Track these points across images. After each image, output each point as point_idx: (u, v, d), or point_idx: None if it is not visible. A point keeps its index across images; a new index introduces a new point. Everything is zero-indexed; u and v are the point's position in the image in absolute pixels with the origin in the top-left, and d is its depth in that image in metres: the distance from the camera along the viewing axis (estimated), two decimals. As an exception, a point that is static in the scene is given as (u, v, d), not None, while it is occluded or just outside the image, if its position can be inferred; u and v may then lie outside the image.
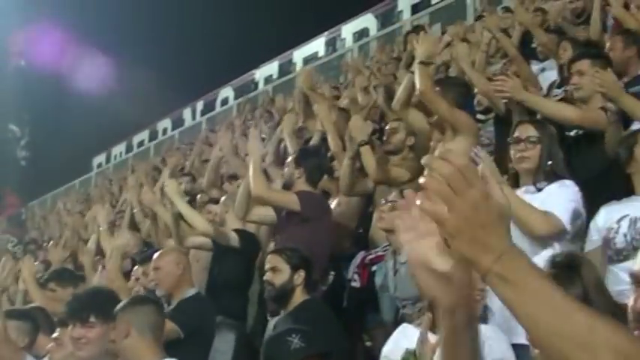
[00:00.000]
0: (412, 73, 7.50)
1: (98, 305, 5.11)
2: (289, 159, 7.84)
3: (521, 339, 4.78)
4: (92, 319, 5.01)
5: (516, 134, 5.55)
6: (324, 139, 9.40)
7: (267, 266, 6.38)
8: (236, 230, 7.66)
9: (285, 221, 7.37)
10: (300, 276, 6.23)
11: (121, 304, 5.07)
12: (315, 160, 7.93)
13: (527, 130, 5.50)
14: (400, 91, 7.72)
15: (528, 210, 5.11)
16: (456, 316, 1.95)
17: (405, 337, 4.69)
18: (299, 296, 6.23)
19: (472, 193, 1.72)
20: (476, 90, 8.26)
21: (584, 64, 6.69)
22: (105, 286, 7.42)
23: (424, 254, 1.93)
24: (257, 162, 7.33)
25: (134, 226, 10.96)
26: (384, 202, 6.33)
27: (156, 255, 7.01)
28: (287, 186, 7.64)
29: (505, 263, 1.72)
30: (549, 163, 5.41)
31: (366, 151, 7.52)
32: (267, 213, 7.61)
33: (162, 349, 4.98)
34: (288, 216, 7.32)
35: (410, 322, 4.98)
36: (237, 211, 7.59)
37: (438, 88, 7.41)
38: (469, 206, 1.72)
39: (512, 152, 5.53)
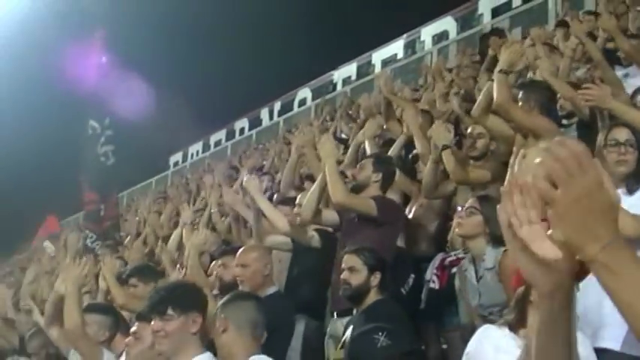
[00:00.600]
0: (492, 81, 7.45)
1: (176, 298, 5.08)
2: (365, 161, 7.75)
3: (605, 343, 4.71)
4: (170, 311, 4.99)
5: (614, 136, 5.43)
6: (406, 142, 9.37)
7: (343, 265, 6.37)
8: (316, 230, 7.64)
9: (356, 225, 7.32)
10: (376, 277, 6.22)
11: (223, 299, 5.17)
12: (391, 167, 7.95)
13: (624, 134, 5.40)
14: (480, 98, 7.68)
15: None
16: (554, 300, 1.95)
17: (488, 338, 4.60)
18: (373, 296, 6.22)
19: (586, 178, 1.74)
20: (559, 95, 8.14)
21: None
22: (185, 280, 7.46)
23: (526, 239, 1.89)
24: (333, 166, 7.28)
25: (212, 227, 10.98)
26: (461, 208, 6.25)
27: (241, 251, 6.96)
28: (359, 188, 7.58)
29: (611, 253, 1.73)
30: None
31: (447, 154, 7.49)
32: (332, 216, 7.61)
33: (258, 346, 4.99)
34: (360, 220, 7.27)
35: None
36: (306, 213, 7.53)
37: (521, 94, 7.42)
38: (582, 191, 1.73)
39: (610, 155, 5.41)
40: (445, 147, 7.55)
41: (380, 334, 4.05)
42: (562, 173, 1.74)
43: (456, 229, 6.28)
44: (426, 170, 7.91)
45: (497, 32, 15.25)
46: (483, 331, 4.73)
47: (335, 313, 6.93)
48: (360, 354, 4.04)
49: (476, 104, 7.76)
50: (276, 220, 7.62)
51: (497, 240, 5.50)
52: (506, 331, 4.55)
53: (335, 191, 7.18)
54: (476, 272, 6.06)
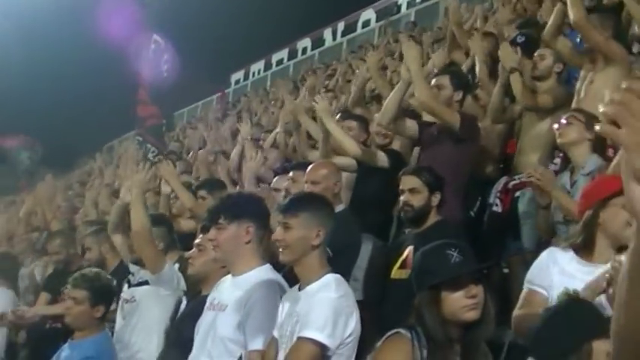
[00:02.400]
0: (562, 2, 7.40)
1: (228, 207, 5.12)
2: (440, 78, 7.65)
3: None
4: (222, 220, 5.03)
5: None
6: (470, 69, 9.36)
7: (402, 187, 6.34)
8: (385, 150, 7.61)
9: (435, 139, 7.27)
10: (436, 197, 6.23)
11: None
12: (469, 83, 7.94)
13: None
14: (551, 20, 7.60)
15: None
16: None
17: (555, 262, 4.58)
18: (432, 217, 6.24)
19: None
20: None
21: None
22: (241, 191, 7.51)
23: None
24: (419, 70, 7.19)
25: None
26: (565, 116, 6.19)
27: (312, 167, 6.84)
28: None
29: None
30: None
31: (515, 77, 7.43)
32: (412, 126, 7.54)
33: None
34: (440, 134, 7.22)
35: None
36: (383, 117, 7.47)
37: (594, 17, 7.29)
38: None
39: None
40: (513, 70, 7.50)
41: (452, 249, 4.00)
42: (625, 114, 1.75)
43: (557, 139, 6.19)
44: (493, 93, 7.87)
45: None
46: (548, 254, 4.69)
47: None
48: (432, 268, 4.00)
49: (547, 26, 7.70)
50: (346, 143, 7.59)
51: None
52: (571, 253, 4.52)
53: (421, 91, 7.13)
54: (571, 178, 6.06)
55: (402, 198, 6.35)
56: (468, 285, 3.93)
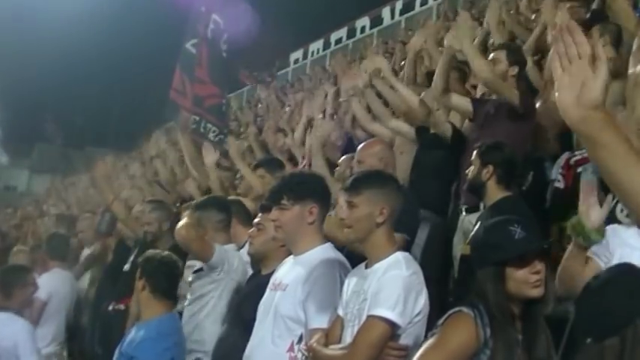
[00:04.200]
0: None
1: (291, 187, 5.12)
2: (497, 54, 7.57)
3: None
4: (284, 201, 5.03)
5: None
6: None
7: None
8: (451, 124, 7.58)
9: (492, 117, 7.21)
10: (488, 172, 6.20)
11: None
12: (525, 58, 7.85)
13: None
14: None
15: None
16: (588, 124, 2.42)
17: (616, 235, 4.52)
18: (495, 192, 6.21)
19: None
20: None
21: None
22: (305, 170, 7.49)
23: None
24: (470, 45, 7.15)
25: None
26: None
27: (361, 146, 6.91)
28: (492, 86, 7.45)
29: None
30: None
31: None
32: (466, 102, 7.54)
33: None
34: (497, 110, 7.17)
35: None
36: (434, 90, 7.44)
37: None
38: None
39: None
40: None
41: (516, 225, 3.98)
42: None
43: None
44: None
45: None
46: (610, 230, 4.65)
47: (464, 209, 6.90)
48: (497, 245, 3.96)
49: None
50: (412, 100, 7.58)
51: None
52: (634, 229, 4.47)
53: (480, 67, 7.12)
54: None
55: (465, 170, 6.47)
56: (533, 261, 3.92)
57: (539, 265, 3.92)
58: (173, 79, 16.20)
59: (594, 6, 8.66)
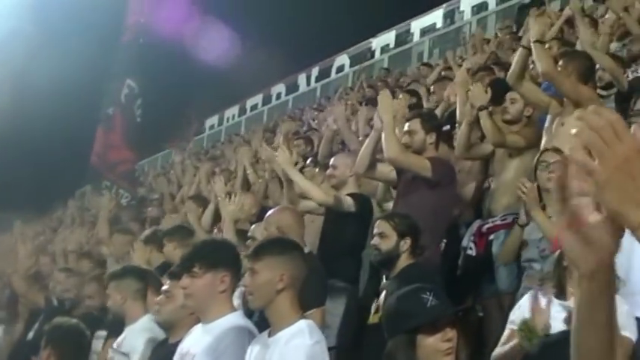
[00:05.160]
0: (523, 47, 7.46)
1: (203, 255, 5.02)
2: (411, 124, 7.61)
3: None
4: (196, 268, 4.93)
5: (637, 107, 5.35)
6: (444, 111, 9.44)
7: (375, 231, 6.37)
8: (351, 194, 7.56)
9: (411, 185, 7.25)
10: (406, 243, 6.20)
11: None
12: (441, 123, 8.02)
13: None
14: (513, 65, 7.60)
15: None
16: (594, 281, 1.85)
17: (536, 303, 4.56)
18: (404, 261, 6.21)
19: (624, 145, 1.69)
20: (597, 66, 8.17)
21: None
22: (217, 237, 7.42)
23: (575, 210, 1.81)
24: (390, 122, 7.18)
25: (248, 188, 10.93)
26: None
27: (269, 213, 6.93)
28: (417, 153, 7.46)
29: None
30: None
31: (484, 115, 7.47)
32: (389, 172, 7.57)
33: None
34: (415, 180, 7.20)
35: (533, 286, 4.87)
36: (359, 167, 7.47)
37: (561, 62, 7.42)
38: (621, 158, 1.68)
39: (633, 126, 5.30)
40: (482, 108, 7.52)
41: (428, 293, 3.95)
42: (598, 142, 1.69)
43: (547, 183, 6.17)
44: (460, 129, 7.88)
45: (536, 3, 15.18)
46: (530, 296, 4.68)
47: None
48: (409, 313, 3.93)
49: (510, 71, 7.70)
50: (310, 191, 7.58)
51: None
52: (550, 296, 4.50)
53: (389, 147, 7.10)
54: None
55: (372, 242, 6.39)
56: (445, 329, 3.88)
57: (450, 333, 3.88)
58: (94, 143, 16.09)
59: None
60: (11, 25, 25.32)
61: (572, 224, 1.81)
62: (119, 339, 6.32)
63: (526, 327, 4.39)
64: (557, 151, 6.25)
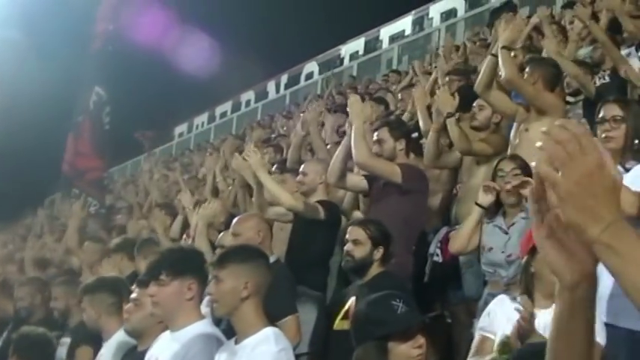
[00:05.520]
0: (492, 55, 7.45)
1: (170, 262, 5.03)
2: (380, 132, 7.63)
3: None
4: (163, 276, 4.94)
5: (601, 114, 5.39)
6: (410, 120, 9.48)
7: (347, 236, 6.29)
8: (320, 202, 7.57)
9: (382, 192, 7.26)
10: (379, 251, 6.15)
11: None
12: (410, 129, 8.05)
13: (612, 110, 5.34)
14: (481, 74, 7.64)
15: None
16: (575, 293, 1.87)
17: (503, 310, 4.58)
18: (376, 269, 6.16)
19: (587, 159, 1.71)
20: (565, 73, 8.28)
21: None
22: (184, 245, 7.41)
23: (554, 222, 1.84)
24: (360, 127, 7.19)
25: (217, 196, 10.90)
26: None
27: (236, 220, 6.93)
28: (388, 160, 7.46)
29: (613, 233, 1.70)
30: (636, 142, 5.21)
31: (452, 122, 7.47)
32: (360, 181, 7.57)
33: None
34: (386, 187, 7.21)
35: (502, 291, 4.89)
36: (331, 176, 7.47)
37: (527, 69, 7.50)
38: (583, 172, 1.70)
39: (598, 132, 5.36)
40: (450, 115, 7.50)
41: (397, 300, 3.97)
42: (563, 156, 1.71)
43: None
44: (428, 138, 7.86)
45: (508, 7, 15.28)
46: (497, 302, 4.71)
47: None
48: (380, 321, 3.95)
49: (478, 79, 7.71)
50: (280, 196, 7.57)
51: None
52: (517, 302, 4.52)
53: (358, 151, 7.11)
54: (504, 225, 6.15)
55: (345, 248, 6.31)
56: (415, 336, 3.90)
57: (421, 340, 3.91)
58: (65, 151, 16.01)
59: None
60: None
61: (551, 235, 1.84)
62: (97, 356, 6.31)
63: (507, 348, 4.40)
64: (513, 158, 6.30)
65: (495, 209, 6.35)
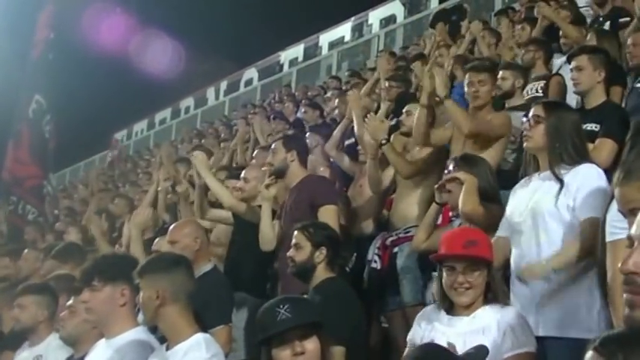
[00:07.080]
0: (422, 106, 7.42)
1: (102, 268, 5.08)
2: (275, 145, 7.63)
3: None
4: (95, 282, 4.99)
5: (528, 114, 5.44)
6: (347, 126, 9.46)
7: (292, 242, 6.22)
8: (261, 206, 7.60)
9: (291, 213, 7.16)
10: (321, 253, 6.01)
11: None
12: (302, 141, 8.20)
13: (536, 110, 5.35)
14: (415, 127, 7.52)
15: None
16: None
17: (428, 319, 4.63)
18: (322, 273, 6.03)
19: None
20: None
21: (582, 60, 6.70)
22: (116, 251, 7.43)
23: None
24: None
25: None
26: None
27: (172, 227, 6.88)
28: (280, 173, 7.40)
29: None
30: (557, 145, 5.20)
31: (389, 149, 7.40)
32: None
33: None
34: (292, 209, 7.17)
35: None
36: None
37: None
38: None
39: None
40: (383, 143, 7.41)
41: (281, 306, 3.99)
42: None
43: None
44: (368, 169, 7.86)
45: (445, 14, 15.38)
46: (422, 312, 4.77)
47: None
48: (263, 326, 4.01)
49: (414, 134, 7.63)
50: (224, 197, 7.62)
51: None
52: (441, 311, 4.57)
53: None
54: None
55: (287, 253, 6.26)
56: (293, 342, 3.95)
57: (299, 347, 3.93)
58: (5, 158, 15.82)
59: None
60: None
61: None
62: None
63: None
64: (455, 158, 6.33)
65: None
